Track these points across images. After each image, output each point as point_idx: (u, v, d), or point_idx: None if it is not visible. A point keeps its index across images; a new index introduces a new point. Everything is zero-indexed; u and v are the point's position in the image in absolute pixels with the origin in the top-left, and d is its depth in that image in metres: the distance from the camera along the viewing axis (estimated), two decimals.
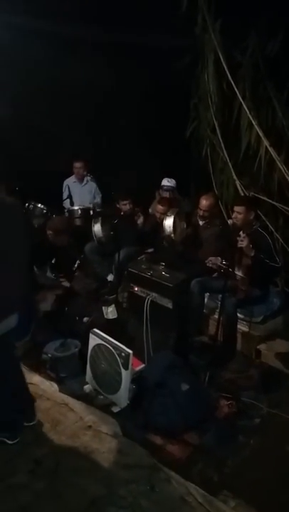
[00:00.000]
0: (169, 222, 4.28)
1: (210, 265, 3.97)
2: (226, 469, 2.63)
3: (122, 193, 5.01)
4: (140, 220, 4.91)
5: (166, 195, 5.23)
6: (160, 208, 4.74)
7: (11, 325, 2.53)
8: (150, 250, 4.92)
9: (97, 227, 4.65)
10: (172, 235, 4.28)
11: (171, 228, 4.26)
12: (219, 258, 3.83)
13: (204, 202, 4.35)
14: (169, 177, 5.38)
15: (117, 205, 4.99)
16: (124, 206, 4.90)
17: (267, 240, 3.77)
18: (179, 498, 2.33)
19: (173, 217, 4.28)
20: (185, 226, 4.50)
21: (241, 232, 3.73)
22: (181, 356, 3.39)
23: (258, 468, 2.63)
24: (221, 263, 3.78)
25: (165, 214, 4.46)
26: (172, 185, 5.34)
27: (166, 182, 5.35)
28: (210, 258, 3.98)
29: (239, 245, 3.60)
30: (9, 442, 2.69)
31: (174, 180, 5.35)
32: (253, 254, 3.60)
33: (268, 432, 2.97)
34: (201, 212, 4.41)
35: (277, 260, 3.69)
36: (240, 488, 2.46)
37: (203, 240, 4.43)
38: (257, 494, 2.42)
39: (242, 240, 3.59)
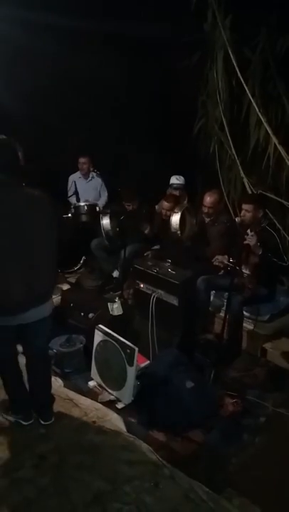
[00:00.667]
0: (175, 219, 4.25)
1: (216, 263, 3.95)
2: (231, 467, 2.63)
3: (128, 192, 4.95)
4: (147, 230, 4.86)
5: (176, 193, 5.19)
6: (166, 204, 4.71)
7: (45, 313, 2.54)
8: (156, 247, 4.91)
9: (105, 221, 4.64)
10: (178, 232, 4.26)
11: (178, 225, 4.24)
12: (226, 256, 3.80)
13: (208, 198, 4.28)
14: (177, 174, 5.36)
15: (123, 202, 4.97)
16: (128, 207, 4.86)
17: (275, 238, 3.75)
18: (183, 496, 2.32)
19: (180, 213, 4.25)
20: (195, 222, 4.47)
21: (249, 230, 3.71)
22: (187, 354, 3.37)
23: (263, 467, 2.62)
24: (228, 261, 3.76)
25: (171, 210, 4.44)
26: (181, 182, 5.31)
27: (176, 180, 5.32)
28: (217, 256, 3.95)
29: (247, 243, 3.58)
30: (24, 423, 2.75)
31: (182, 178, 5.31)
32: (260, 252, 3.58)
33: (272, 431, 2.96)
34: (205, 209, 4.33)
35: (284, 259, 3.67)
36: (244, 487, 2.44)
37: (210, 237, 4.41)
38: (261, 493, 2.41)
39: (250, 238, 3.57)
